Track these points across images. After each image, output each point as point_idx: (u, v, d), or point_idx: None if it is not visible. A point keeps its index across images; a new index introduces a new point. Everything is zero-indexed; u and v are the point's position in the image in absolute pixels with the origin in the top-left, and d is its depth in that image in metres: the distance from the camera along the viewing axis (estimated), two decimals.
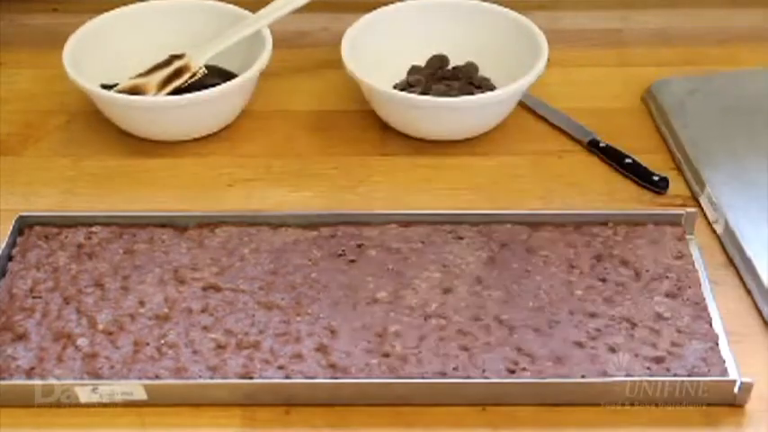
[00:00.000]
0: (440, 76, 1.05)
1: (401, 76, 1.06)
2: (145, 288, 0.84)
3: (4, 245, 0.87)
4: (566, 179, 0.97)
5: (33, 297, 0.83)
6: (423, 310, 0.82)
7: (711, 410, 0.76)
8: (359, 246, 0.87)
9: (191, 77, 1.02)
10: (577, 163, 0.98)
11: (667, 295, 0.83)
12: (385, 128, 1.02)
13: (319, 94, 1.07)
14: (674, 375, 0.77)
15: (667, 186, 0.94)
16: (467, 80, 1.05)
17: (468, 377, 0.77)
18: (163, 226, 0.89)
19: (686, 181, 0.95)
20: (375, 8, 1.06)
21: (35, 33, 1.17)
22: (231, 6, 1.07)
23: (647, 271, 0.85)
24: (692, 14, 1.18)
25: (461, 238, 0.88)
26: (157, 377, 0.77)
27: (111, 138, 1.01)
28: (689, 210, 0.89)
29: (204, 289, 0.84)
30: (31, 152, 1.01)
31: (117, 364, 0.78)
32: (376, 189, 0.96)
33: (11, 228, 0.88)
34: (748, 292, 0.85)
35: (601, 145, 0.99)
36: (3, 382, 0.77)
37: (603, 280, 0.84)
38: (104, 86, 1.00)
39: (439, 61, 1.07)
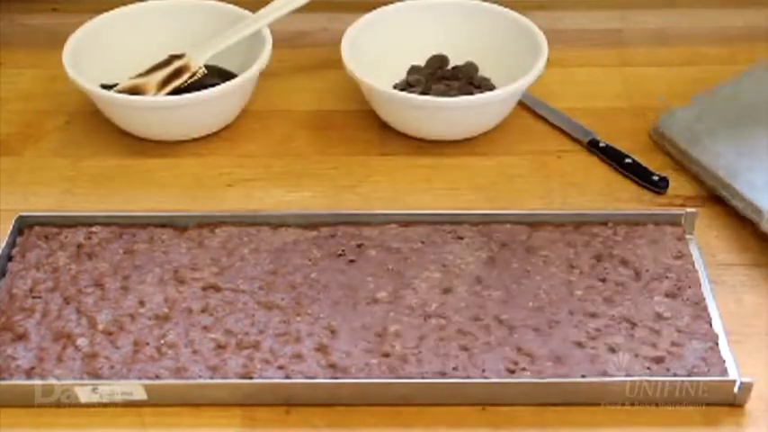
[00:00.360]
0: (440, 76, 1.05)
1: (401, 76, 1.06)
2: (145, 288, 0.84)
3: (3, 245, 0.87)
4: (565, 179, 0.97)
5: (33, 297, 0.83)
6: (423, 310, 0.82)
7: (711, 410, 0.76)
8: (359, 246, 0.87)
9: (190, 77, 1.02)
10: (577, 163, 0.98)
11: (667, 295, 0.83)
12: (385, 128, 1.02)
13: (319, 93, 1.07)
14: (674, 375, 0.77)
15: (667, 186, 0.94)
16: (467, 80, 1.05)
17: (468, 377, 0.77)
18: (163, 226, 0.89)
19: (732, 207, 0.90)
20: (375, 8, 1.06)
21: (35, 33, 1.17)
22: (231, 6, 1.07)
23: (647, 271, 0.85)
24: (691, 14, 1.18)
25: (461, 238, 0.88)
26: (157, 377, 0.77)
27: (111, 138, 1.01)
28: (689, 210, 0.89)
29: (204, 289, 0.84)
30: (31, 152, 1.01)
31: (117, 364, 0.78)
32: (376, 189, 0.96)
33: (11, 228, 0.88)
34: None
35: (601, 145, 0.99)
36: (3, 382, 0.77)
37: (603, 280, 0.84)
38: (104, 86, 1.00)
39: (439, 61, 1.07)
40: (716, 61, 1.10)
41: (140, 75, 1.03)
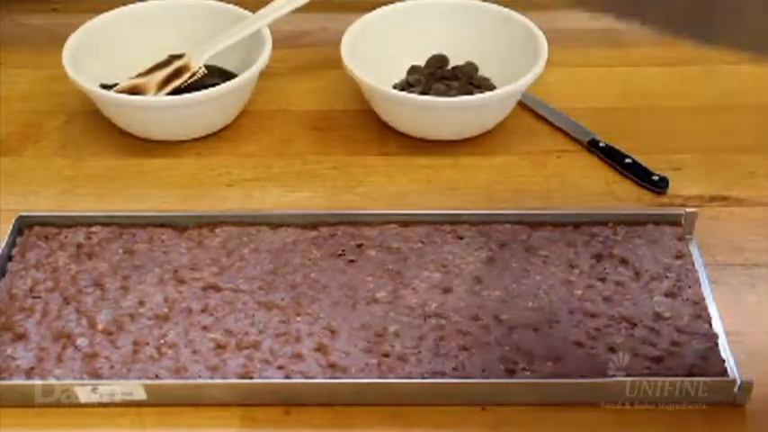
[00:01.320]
0: (439, 76, 1.05)
1: (401, 76, 1.06)
2: (144, 288, 0.84)
3: (3, 245, 0.87)
4: (566, 179, 0.96)
5: (33, 297, 0.83)
6: (422, 310, 0.82)
7: (711, 410, 0.76)
8: (358, 246, 0.87)
9: (190, 77, 1.02)
10: (577, 163, 0.98)
11: (667, 295, 0.83)
12: (385, 127, 1.02)
13: (319, 93, 1.07)
14: (674, 375, 0.77)
15: (667, 186, 0.94)
16: (467, 80, 1.05)
17: (468, 377, 0.77)
18: (162, 226, 0.89)
19: None
20: (375, 8, 1.06)
21: (35, 33, 1.17)
22: (231, 6, 1.07)
23: (647, 270, 0.85)
24: None
25: (461, 238, 0.88)
26: (157, 377, 0.77)
27: (111, 138, 1.01)
28: (689, 210, 0.89)
29: (204, 289, 0.84)
30: (31, 152, 1.01)
31: (117, 364, 0.78)
32: (375, 189, 0.96)
33: (11, 228, 0.88)
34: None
35: (601, 145, 0.99)
36: (3, 382, 0.77)
37: (603, 280, 0.84)
38: (104, 86, 1.00)
39: (439, 61, 1.07)
40: (717, 61, 1.10)
41: (140, 75, 1.03)
